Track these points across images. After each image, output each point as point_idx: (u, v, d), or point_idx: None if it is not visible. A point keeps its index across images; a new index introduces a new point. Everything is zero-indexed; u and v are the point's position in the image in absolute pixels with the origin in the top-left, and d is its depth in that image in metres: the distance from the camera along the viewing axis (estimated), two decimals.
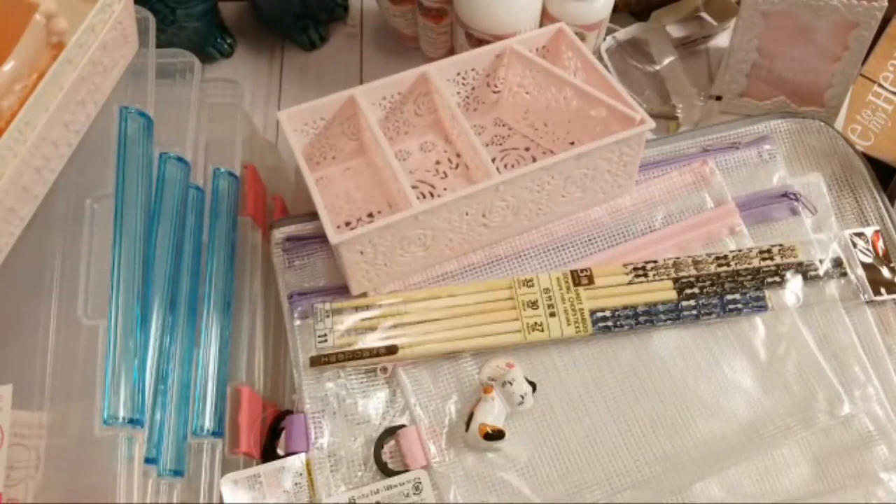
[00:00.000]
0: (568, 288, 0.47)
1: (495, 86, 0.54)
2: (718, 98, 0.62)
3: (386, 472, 0.44)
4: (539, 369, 0.46)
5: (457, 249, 0.49)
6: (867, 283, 0.49)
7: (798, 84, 0.59)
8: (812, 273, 0.49)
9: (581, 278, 0.48)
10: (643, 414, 0.45)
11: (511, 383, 0.44)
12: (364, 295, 0.48)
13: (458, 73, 0.52)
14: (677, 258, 0.49)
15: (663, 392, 0.46)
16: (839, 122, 0.59)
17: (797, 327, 0.48)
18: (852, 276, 0.49)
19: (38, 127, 0.40)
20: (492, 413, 0.44)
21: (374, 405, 0.46)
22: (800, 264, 0.49)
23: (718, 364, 0.47)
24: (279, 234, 0.50)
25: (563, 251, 0.50)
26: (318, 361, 0.46)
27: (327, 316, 0.47)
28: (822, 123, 0.55)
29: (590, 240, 0.50)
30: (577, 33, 0.55)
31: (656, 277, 0.48)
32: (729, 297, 0.48)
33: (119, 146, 0.44)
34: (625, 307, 0.47)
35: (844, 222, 0.52)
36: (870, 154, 0.56)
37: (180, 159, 0.47)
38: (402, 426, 0.45)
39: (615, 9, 0.60)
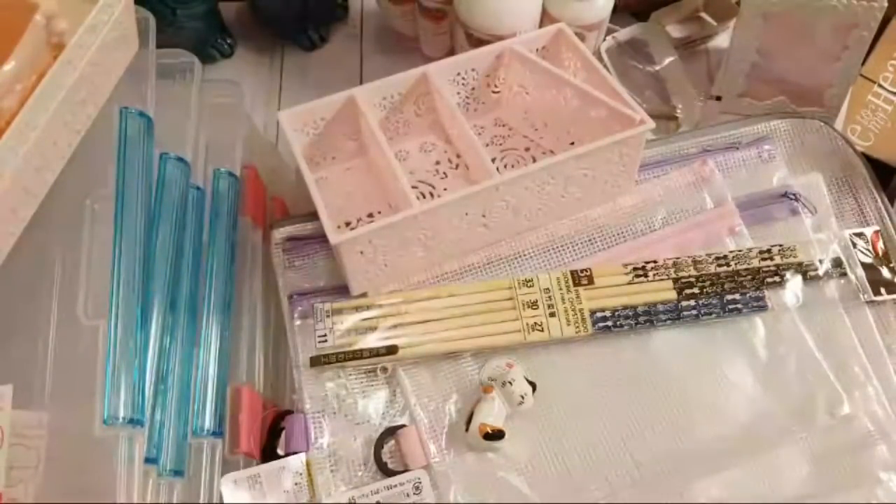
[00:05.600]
0: (568, 288, 0.47)
1: (495, 86, 0.54)
2: (718, 98, 0.62)
3: (386, 472, 0.44)
4: (539, 369, 0.46)
5: (457, 249, 0.49)
6: (867, 283, 0.49)
7: (798, 84, 0.59)
8: (812, 273, 0.49)
9: (581, 278, 0.48)
10: (643, 414, 0.45)
11: (511, 383, 0.44)
12: (364, 295, 0.48)
13: (458, 74, 0.52)
14: (677, 258, 0.49)
15: (663, 392, 0.46)
16: (839, 123, 0.59)
17: (797, 327, 0.48)
18: (852, 277, 0.49)
19: (38, 127, 0.40)
20: (492, 413, 0.44)
21: (374, 405, 0.46)
22: (800, 264, 0.49)
23: (718, 364, 0.47)
24: (279, 234, 0.51)
25: (563, 251, 0.50)
26: (318, 361, 0.46)
27: (327, 316, 0.47)
28: (822, 123, 0.55)
29: (590, 240, 0.50)
30: (577, 33, 0.55)
31: (656, 277, 0.48)
32: (729, 297, 0.48)
33: (119, 146, 0.44)
34: (625, 307, 0.47)
35: (844, 222, 0.52)
36: (870, 154, 0.56)
37: (180, 159, 0.47)
38: (402, 426, 0.45)
39: (615, 9, 0.60)
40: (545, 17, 0.59)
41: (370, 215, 0.50)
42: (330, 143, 0.51)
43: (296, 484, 0.43)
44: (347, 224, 0.50)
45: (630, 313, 0.47)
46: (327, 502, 0.43)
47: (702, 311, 0.47)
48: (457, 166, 0.52)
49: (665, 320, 0.47)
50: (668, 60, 0.65)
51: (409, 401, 0.46)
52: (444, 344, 0.46)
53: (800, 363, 0.47)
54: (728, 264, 0.49)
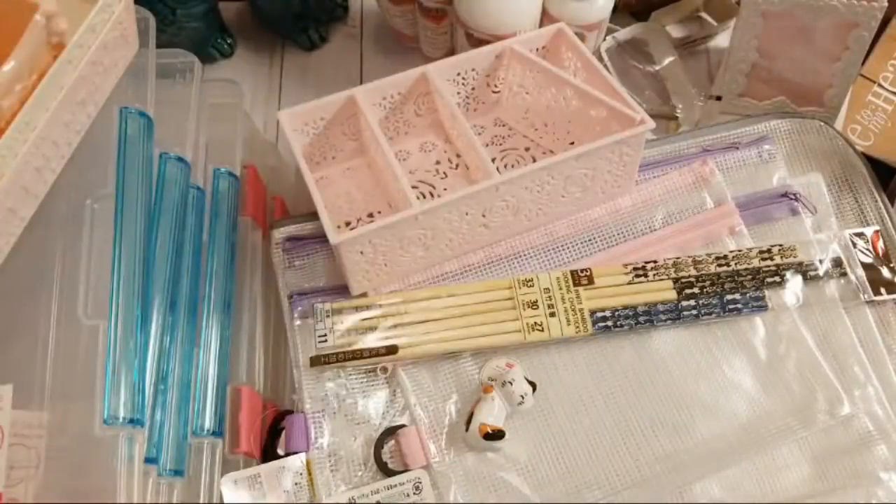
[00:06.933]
0: (568, 288, 0.47)
1: (495, 86, 0.54)
2: (718, 98, 0.62)
3: (386, 471, 0.44)
4: (539, 369, 0.46)
5: (457, 249, 0.49)
6: (867, 283, 0.49)
7: (798, 84, 0.59)
8: (812, 273, 0.49)
9: (581, 278, 0.48)
10: (643, 414, 0.45)
11: (511, 383, 0.44)
12: (364, 295, 0.48)
13: (458, 73, 0.52)
14: (677, 258, 0.49)
15: (663, 392, 0.46)
16: (839, 122, 0.59)
17: (797, 327, 0.48)
18: (852, 276, 0.49)
19: (38, 127, 0.40)
20: (492, 413, 0.44)
21: (374, 405, 0.46)
22: (800, 264, 0.49)
23: (718, 364, 0.47)
24: (279, 234, 0.51)
25: (563, 251, 0.50)
26: (318, 361, 0.46)
27: (327, 316, 0.47)
28: (822, 123, 0.55)
29: (590, 240, 0.50)
30: (577, 33, 0.55)
31: (656, 277, 0.48)
32: (729, 297, 0.48)
33: (119, 146, 0.44)
34: (625, 307, 0.47)
35: (844, 222, 0.52)
36: (870, 154, 0.56)
37: (180, 159, 0.47)
38: (402, 426, 0.45)
39: (615, 9, 0.60)
40: (545, 17, 0.59)
41: (370, 215, 0.50)
42: (330, 143, 0.51)
43: (296, 484, 0.43)
44: (347, 224, 0.50)
45: (630, 313, 0.47)
46: (327, 502, 0.43)
47: (702, 311, 0.47)
48: (457, 166, 0.52)
49: (665, 320, 0.47)
50: (668, 60, 0.65)
51: (409, 401, 0.46)
52: (444, 344, 0.46)
53: (800, 363, 0.47)
54: (728, 264, 0.49)
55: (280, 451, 0.45)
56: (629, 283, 0.48)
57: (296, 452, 0.44)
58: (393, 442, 0.45)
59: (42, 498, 0.38)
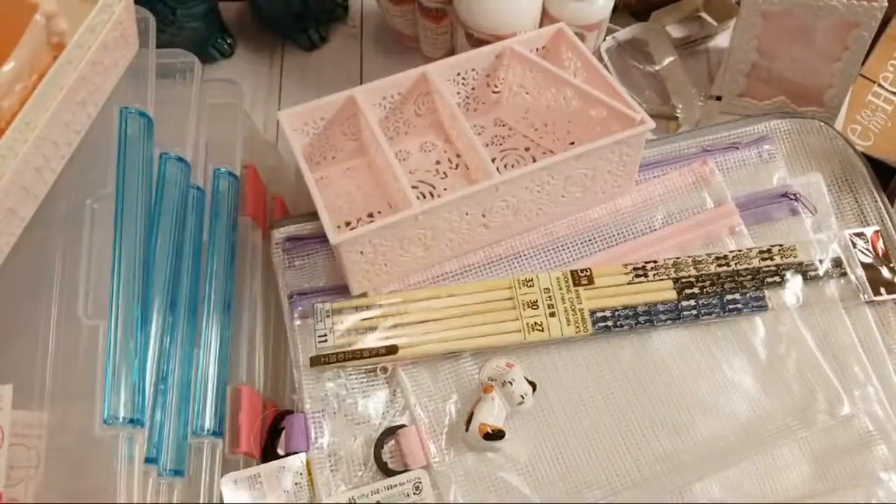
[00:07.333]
0: (568, 288, 0.47)
1: (495, 86, 0.54)
2: (718, 98, 0.62)
3: (386, 471, 0.44)
4: (539, 369, 0.46)
5: (457, 249, 0.49)
6: (867, 283, 0.49)
7: (798, 84, 0.59)
8: (812, 273, 0.49)
9: (581, 278, 0.48)
10: (643, 414, 0.45)
11: (511, 383, 0.44)
12: (364, 295, 0.48)
13: (458, 73, 0.52)
14: (677, 258, 0.49)
15: (663, 392, 0.46)
16: (839, 122, 0.59)
17: (797, 327, 0.48)
18: (852, 276, 0.49)
19: (38, 127, 0.40)
20: (492, 413, 0.44)
21: (374, 405, 0.46)
22: (800, 264, 0.49)
23: (718, 364, 0.47)
24: (279, 234, 0.51)
25: (563, 251, 0.50)
26: (318, 361, 0.46)
27: (327, 316, 0.47)
28: (822, 123, 0.55)
29: (590, 240, 0.50)
30: (577, 33, 0.55)
31: (656, 277, 0.48)
32: (729, 297, 0.48)
33: (119, 146, 0.44)
34: (625, 307, 0.47)
35: (844, 222, 0.52)
36: (869, 154, 0.56)
37: (180, 159, 0.47)
38: (402, 426, 0.45)
39: (615, 9, 0.60)
40: (545, 17, 0.59)
41: (370, 215, 0.50)
42: (330, 143, 0.52)
43: (296, 484, 0.43)
44: (347, 224, 0.50)
45: (630, 313, 0.47)
46: (327, 502, 0.43)
47: (702, 311, 0.47)
48: (457, 166, 0.52)
49: (665, 320, 0.47)
50: (668, 60, 0.65)
51: (409, 401, 0.46)
52: (444, 344, 0.46)
53: (800, 363, 0.47)
54: (728, 264, 0.49)
55: (280, 451, 0.45)
56: (629, 283, 0.48)
57: (296, 452, 0.44)
58: (393, 442, 0.45)
59: (42, 498, 0.38)
